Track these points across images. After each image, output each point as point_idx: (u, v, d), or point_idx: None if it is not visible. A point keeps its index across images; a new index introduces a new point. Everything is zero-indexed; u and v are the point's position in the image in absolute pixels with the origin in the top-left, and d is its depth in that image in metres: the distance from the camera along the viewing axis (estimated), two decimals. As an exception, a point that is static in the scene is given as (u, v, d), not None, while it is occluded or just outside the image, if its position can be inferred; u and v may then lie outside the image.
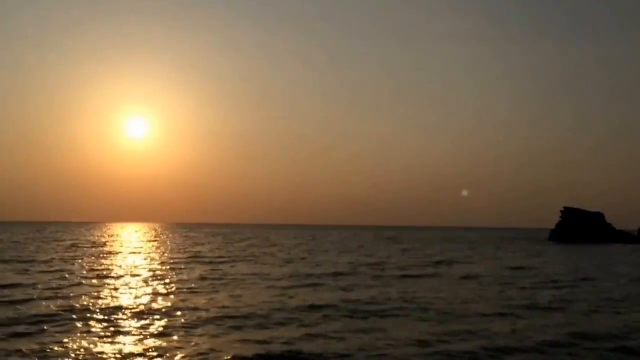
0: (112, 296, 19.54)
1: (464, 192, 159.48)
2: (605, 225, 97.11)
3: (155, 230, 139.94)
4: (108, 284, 22.93)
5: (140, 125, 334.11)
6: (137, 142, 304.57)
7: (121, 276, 26.25)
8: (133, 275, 26.72)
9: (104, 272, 27.78)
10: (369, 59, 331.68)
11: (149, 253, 45.14)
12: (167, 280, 24.59)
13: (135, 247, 54.35)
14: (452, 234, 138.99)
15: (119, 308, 17.01)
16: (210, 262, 35.37)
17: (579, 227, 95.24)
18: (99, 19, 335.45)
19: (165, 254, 43.50)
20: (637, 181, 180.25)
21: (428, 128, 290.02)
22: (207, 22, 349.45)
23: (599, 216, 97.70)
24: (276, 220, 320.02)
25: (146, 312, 16.49)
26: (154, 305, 17.62)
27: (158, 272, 28.33)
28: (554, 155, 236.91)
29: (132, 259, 38.46)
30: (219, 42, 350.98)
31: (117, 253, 44.50)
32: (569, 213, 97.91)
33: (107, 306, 17.30)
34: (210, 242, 67.19)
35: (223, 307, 17.56)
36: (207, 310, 16.93)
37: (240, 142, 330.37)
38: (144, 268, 30.86)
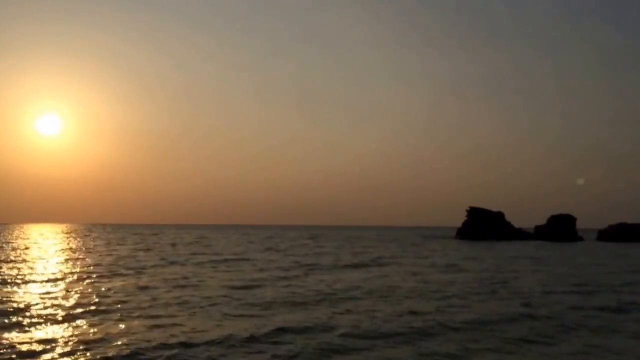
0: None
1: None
2: (505, 223, 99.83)
3: (71, 231, 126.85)
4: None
5: (53, 122, 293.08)
6: (51, 140, 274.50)
7: (26, 284, 21.38)
8: (42, 283, 21.89)
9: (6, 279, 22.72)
10: (287, 59, 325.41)
11: (62, 257, 39.41)
12: (87, 292, 20.08)
13: (46, 250, 47.87)
14: (371, 233, 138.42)
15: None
16: (143, 268, 30.75)
17: (483, 225, 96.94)
18: (11, 11, 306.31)
19: (84, 259, 38.05)
20: (533, 183, 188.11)
21: (351, 131, 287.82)
22: (127, 17, 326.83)
23: (499, 215, 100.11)
24: (199, 220, 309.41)
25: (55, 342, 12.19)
26: (63, 332, 13.40)
27: (71, 282, 23.54)
28: (467, 157, 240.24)
29: (43, 264, 32.81)
30: (138, 38, 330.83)
31: (22, 260, 38.22)
32: (473, 212, 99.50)
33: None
34: (137, 243, 61.45)
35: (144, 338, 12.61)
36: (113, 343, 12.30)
37: (159, 141, 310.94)
38: (56, 276, 25.88)
